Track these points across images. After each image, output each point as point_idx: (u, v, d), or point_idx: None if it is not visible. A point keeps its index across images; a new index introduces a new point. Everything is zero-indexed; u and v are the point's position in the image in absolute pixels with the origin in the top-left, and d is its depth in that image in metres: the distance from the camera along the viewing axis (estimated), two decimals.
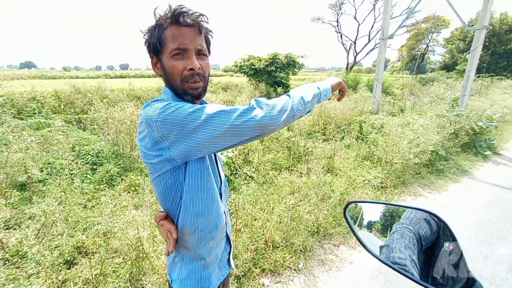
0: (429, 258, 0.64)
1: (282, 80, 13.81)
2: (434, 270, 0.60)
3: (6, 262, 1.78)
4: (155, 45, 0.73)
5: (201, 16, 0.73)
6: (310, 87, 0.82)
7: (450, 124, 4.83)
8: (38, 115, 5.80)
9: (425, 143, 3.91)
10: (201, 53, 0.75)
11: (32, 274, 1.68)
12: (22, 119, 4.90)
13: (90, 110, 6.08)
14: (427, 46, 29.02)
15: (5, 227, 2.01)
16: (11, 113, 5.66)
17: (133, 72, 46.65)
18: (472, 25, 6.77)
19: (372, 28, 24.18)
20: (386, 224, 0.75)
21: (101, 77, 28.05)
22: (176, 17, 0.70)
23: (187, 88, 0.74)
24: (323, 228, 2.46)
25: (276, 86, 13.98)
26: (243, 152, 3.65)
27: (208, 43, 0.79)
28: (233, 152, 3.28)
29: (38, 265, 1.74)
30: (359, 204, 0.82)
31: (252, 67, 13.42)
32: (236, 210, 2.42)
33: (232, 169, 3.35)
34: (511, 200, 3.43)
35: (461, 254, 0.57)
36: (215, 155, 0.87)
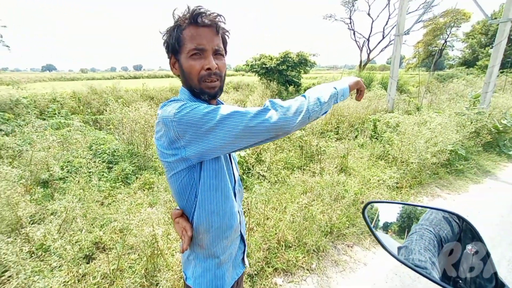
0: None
1: (293, 78, 13.71)
2: (457, 273, 0.58)
3: (32, 255, 1.88)
4: (174, 45, 0.74)
5: (218, 17, 0.74)
6: (327, 87, 0.81)
7: (471, 123, 4.62)
8: (58, 115, 6.06)
9: (444, 142, 3.77)
10: (218, 53, 0.76)
11: (55, 267, 1.76)
12: (44, 119, 5.14)
13: (106, 111, 6.30)
14: (446, 41, 27.88)
15: (30, 222, 2.12)
16: (34, 113, 5.95)
17: (146, 72, 47.75)
18: (495, 18, 6.43)
19: (386, 24, 23.54)
20: (404, 225, 0.73)
21: (116, 78, 28.89)
22: (195, 18, 0.71)
23: (204, 88, 0.75)
24: (336, 228, 2.43)
25: (288, 85, 13.90)
26: (255, 152, 3.66)
27: (225, 43, 0.80)
28: (245, 152, 3.29)
29: (60, 258, 1.81)
30: (377, 204, 0.80)
31: (264, 66, 13.41)
32: (249, 209, 2.43)
33: (244, 168, 3.36)
34: None
35: (488, 256, 0.54)
36: (229, 155, 0.87)
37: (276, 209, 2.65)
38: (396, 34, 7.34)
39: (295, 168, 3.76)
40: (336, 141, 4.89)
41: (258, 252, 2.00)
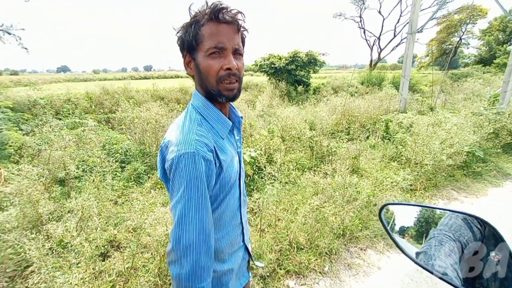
0: (473, 267, 0.58)
1: (302, 78, 13.63)
2: (479, 282, 0.56)
3: (52, 251, 1.94)
4: (190, 43, 0.69)
5: (239, 14, 0.70)
6: None
7: (489, 123, 4.46)
8: (72, 115, 6.23)
9: (460, 143, 3.65)
10: (238, 53, 0.72)
11: (74, 263, 1.81)
12: (60, 119, 5.29)
13: (118, 111, 6.45)
14: (460, 39, 26.98)
15: (49, 219, 2.18)
16: (51, 113, 6.15)
17: (156, 73, 48.42)
18: None
19: (398, 22, 22.98)
20: (422, 229, 0.71)
21: (127, 78, 29.47)
22: (216, 13, 0.66)
23: (222, 90, 0.71)
24: (349, 231, 2.39)
25: (297, 85, 13.82)
26: (266, 152, 3.65)
27: (243, 42, 0.76)
28: (256, 152, 3.28)
29: (78, 255, 1.86)
30: (394, 206, 0.78)
31: (272, 66, 13.38)
32: (260, 210, 2.43)
33: (255, 168, 3.36)
34: None
35: None
36: (239, 165, 0.84)
37: (287, 210, 2.64)
38: (409, 32, 7.17)
39: (305, 169, 3.73)
40: (347, 141, 4.82)
41: (270, 254, 1.99)
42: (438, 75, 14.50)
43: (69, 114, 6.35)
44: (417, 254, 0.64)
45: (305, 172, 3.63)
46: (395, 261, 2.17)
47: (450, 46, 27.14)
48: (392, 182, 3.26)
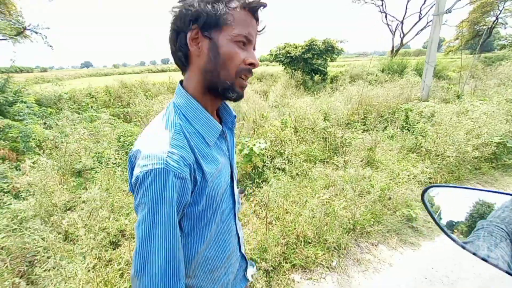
0: None
1: (319, 67, 13.21)
2: None
3: (66, 239, 2.04)
4: (214, 18, 0.58)
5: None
6: None
7: None
8: (91, 109, 6.49)
9: (489, 133, 3.35)
10: (254, 50, 0.67)
11: (86, 251, 1.89)
12: (79, 113, 5.53)
13: (133, 104, 6.61)
14: (497, 18, 24.54)
15: (64, 209, 2.30)
16: (73, 108, 6.45)
17: (173, 66, 49.14)
18: None
19: (424, 3, 21.33)
20: (470, 218, 0.66)
21: (145, 72, 30.20)
22: (252, 7, 0.60)
23: (237, 85, 0.63)
24: (360, 226, 2.29)
25: (313, 74, 13.43)
26: (276, 143, 3.58)
27: None
28: (265, 143, 3.22)
29: (90, 243, 1.95)
30: (439, 188, 0.72)
31: (288, 55, 13.08)
32: (268, 202, 2.39)
33: (264, 160, 3.31)
34: None
35: None
36: (231, 171, 0.76)
37: (297, 203, 2.58)
38: (435, 14, 6.61)
39: (317, 161, 3.62)
40: (363, 132, 4.61)
41: (276, 247, 1.96)
42: (468, 60, 13.38)
43: (88, 108, 6.62)
44: (465, 243, 0.60)
45: (317, 164, 3.53)
46: (408, 257, 2.06)
47: (484, 27, 24.78)
48: (409, 175, 3.08)
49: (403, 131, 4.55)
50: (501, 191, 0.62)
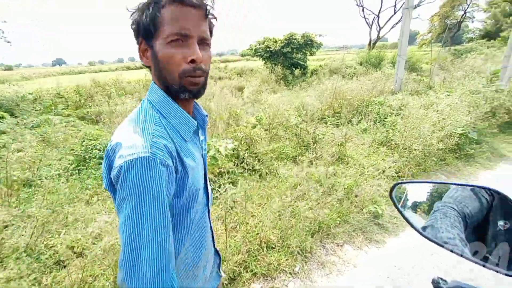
0: (480, 238, 0.60)
1: (299, 61, 13.26)
2: (488, 250, 0.57)
3: (2, 262, 1.83)
4: (147, 27, 0.58)
5: None
6: None
7: (486, 101, 4.20)
8: (55, 111, 6.04)
9: (453, 125, 3.43)
10: (204, 43, 0.62)
11: (25, 275, 1.70)
12: (37, 116, 5.09)
13: (104, 104, 6.22)
14: (465, 12, 25.68)
15: (4, 226, 2.07)
16: (38, 110, 5.95)
17: None
18: None
19: None
20: (429, 204, 0.72)
21: (122, 69, 28.87)
22: None
23: (186, 84, 0.60)
24: (326, 226, 2.25)
25: (293, 68, 13.45)
26: (246, 142, 3.47)
27: (211, 31, 0.66)
28: (233, 143, 3.11)
29: (30, 265, 1.76)
30: (405, 184, 0.78)
31: (268, 49, 13.01)
32: (231, 207, 2.29)
33: (234, 161, 3.20)
34: None
35: None
36: (205, 168, 0.75)
37: (262, 206, 2.50)
38: (406, 7, 6.73)
39: (288, 159, 3.57)
40: (337, 127, 4.61)
41: (236, 256, 1.87)
42: (440, 52, 13.86)
43: (51, 109, 6.16)
44: (425, 228, 0.65)
45: (289, 161, 3.48)
46: (373, 256, 2.05)
47: (454, 21, 25.87)
48: (378, 170, 3.10)
49: (376, 124, 4.60)
50: (463, 182, 0.67)
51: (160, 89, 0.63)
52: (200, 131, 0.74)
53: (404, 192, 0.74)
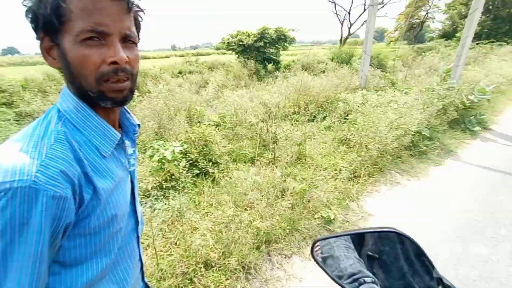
0: (390, 275, 0.65)
1: (272, 56, 13.17)
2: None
3: None
4: (50, 19, 0.46)
5: None
6: None
7: (438, 99, 4.35)
8: None
9: (408, 123, 3.47)
10: (129, 40, 0.52)
11: None
12: None
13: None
14: (427, 13, 27.30)
15: None
16: None
17: None
18: None
19: None
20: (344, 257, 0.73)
21: None
22: None
23: (106, 91, 0.50)
24: (274, 236, 2.10)
25: (266, 63, 13.31)
26: (200, 144, 3.21)
27: (138, 27, 0.56)
28: (182, 146, 2.84)
29: None
30: (324, 241, 0.78)
31: (241, 43, 12.71)
32: (172, 223, 2.05)
33: (180, 165, 2.93)
34: (494, 182, 3.10)
35: (432, 266, 0.56)
36: (133, 188, 0.65)
37: (210, 215, 2.28)
38: (370, 4, 6.79)
39: (247, 160, 3.38)
40: (302, 124, 4.51)
41: (167, 280, 1.64)
42: (404, 50, 14.55)
43: None
44: (324, 259, 0.69)
45: (246, 163, 3.29)
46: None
47: (418, 21, 27.38)
48: (335, 170, 3.03)
49: (340, 122, 4.58)
50: (367, 230, 0.75)
51: (74, 94, 0.52)
52: (128, 144, 0.64)
53: (324, 248, 0.74)
